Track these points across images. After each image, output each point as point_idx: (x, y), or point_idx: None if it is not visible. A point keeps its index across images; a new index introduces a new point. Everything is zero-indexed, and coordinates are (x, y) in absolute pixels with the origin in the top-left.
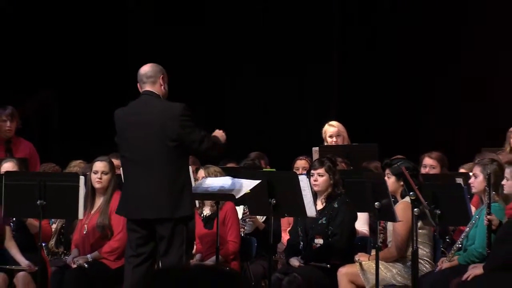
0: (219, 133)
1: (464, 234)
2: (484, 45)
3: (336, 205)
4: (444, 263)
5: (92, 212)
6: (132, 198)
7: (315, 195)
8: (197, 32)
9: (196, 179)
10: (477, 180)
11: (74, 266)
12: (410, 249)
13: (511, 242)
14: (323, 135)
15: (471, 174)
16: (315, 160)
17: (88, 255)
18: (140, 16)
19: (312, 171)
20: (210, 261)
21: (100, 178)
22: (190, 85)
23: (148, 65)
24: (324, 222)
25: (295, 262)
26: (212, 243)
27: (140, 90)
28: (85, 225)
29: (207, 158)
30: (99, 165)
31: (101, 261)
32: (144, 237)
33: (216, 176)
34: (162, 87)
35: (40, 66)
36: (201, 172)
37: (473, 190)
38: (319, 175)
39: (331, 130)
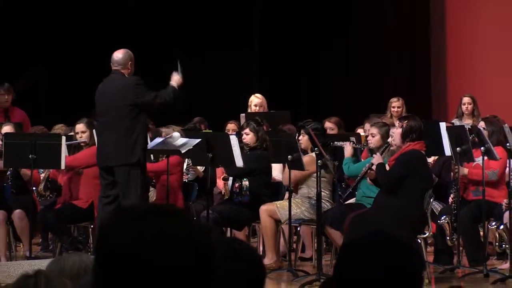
0: (174, 77)
1: (357, 179)
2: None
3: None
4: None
5: None
6: (100, 150)
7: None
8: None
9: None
10: (375, 138)
11: None
12: (316, 191)
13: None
14: (249, 103)
15: (362, 134)
16: (243, 123)
17: None
18: None
19: (242, 131)
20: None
21: (80, 137)
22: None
23: (121, 52)
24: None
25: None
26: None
27: (112, 69)
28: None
29: (168, 109)
30: (78, 126)
31: (75, 203)
32: (110, 183)
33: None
34: (129, 70)
35: (31, 48)
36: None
37: (371, 146)
38: (246, 134)
39: (256, 101)
